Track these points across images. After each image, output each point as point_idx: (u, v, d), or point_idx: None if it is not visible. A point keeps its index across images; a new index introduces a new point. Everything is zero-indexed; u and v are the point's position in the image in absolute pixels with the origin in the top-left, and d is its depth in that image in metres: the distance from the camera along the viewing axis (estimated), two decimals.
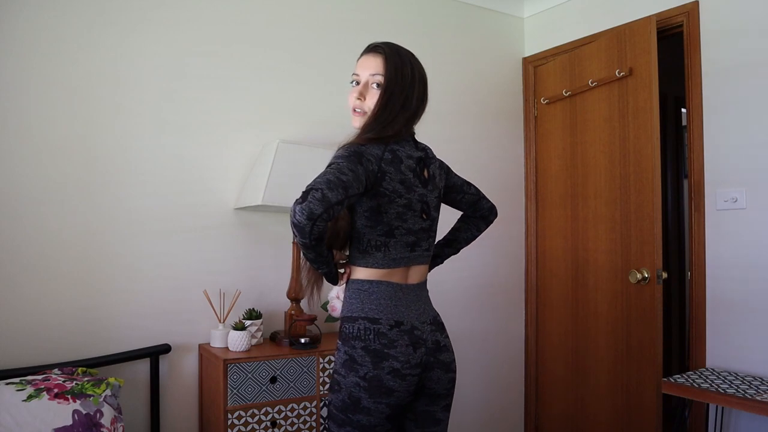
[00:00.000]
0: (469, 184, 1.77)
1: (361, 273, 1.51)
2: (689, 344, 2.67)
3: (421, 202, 1.53)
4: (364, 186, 1.39)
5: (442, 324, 1.59)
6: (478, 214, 1.79)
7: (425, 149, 1.61)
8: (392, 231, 1.48)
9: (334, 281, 1.54)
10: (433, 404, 1.55)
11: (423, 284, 1.59)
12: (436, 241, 1.78)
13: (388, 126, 1.48)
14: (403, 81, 1.50)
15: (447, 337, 1.58)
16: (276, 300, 2.59)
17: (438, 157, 1.69)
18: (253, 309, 2.40)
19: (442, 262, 1.85)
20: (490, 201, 1.80)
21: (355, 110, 1.53)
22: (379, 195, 1.45)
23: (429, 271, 1.71)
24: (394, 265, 1.50)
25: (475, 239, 1.84)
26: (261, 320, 2.39)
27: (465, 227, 1.82)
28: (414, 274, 1.55)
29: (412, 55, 1.57)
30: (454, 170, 1.76)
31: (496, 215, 1.82)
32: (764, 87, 2.39)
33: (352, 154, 1.40)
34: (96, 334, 2.23)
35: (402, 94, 1.50)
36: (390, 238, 1.48)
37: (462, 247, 1.84)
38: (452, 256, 1.86)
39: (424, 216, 1.55)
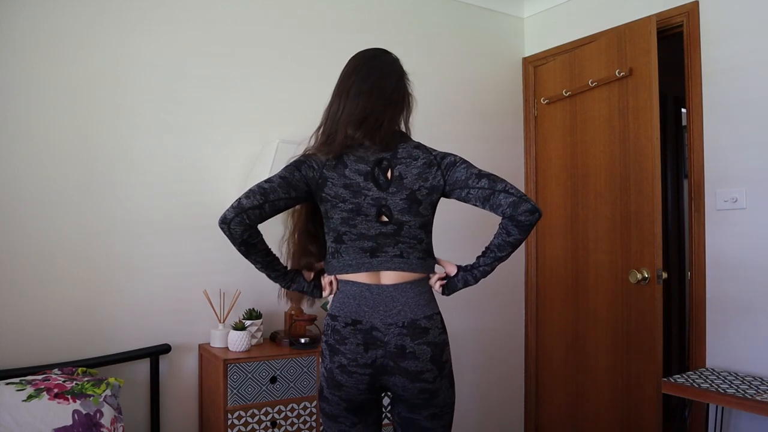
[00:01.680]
0: (480, 177, 1.48)
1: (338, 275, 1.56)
2: (689, 344, 2.67)
3: (376, 206, 1.49)
4: (303, 190, 1.49)
5: (423, 329, 1.47)
6: (499, 212, 1.46)
7: (396, 149, 1.52)
8: (341, 237, 1.51)
9: (313, 294, 1.61)
10: (413, 412, 1.52)
11: (404, 286, 1.50)
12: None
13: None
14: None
15: (423, 344, 1.46)
16: (276, 300, 2.58)
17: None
18: (253, 309, 2.40)
19: (481, 275, 1.58)
20: (515, 195, 1.44)
21: None
22: (323, 201, 1.51)
23: (470, 284, 1.60)
24: (352, 270, 1.51)
25: (510, 247, 1.50)
26: (261, 320, 2.39)
27: (497, 232, 1.52)
28: (390, 276, 1.51)
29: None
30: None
31: (528, 213, 1.43)
32: (764, 87, 2.39)
33: (293, 163, 1.52)
34: (96, 334, 2.23)
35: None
36: (340, 244, 1.51)
37: (496, 256, 1.54)
38: (487, 269, 1.58)
39: (385, 219, 1.50)
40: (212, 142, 2.49)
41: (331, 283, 1.56)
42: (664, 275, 2.62)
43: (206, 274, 2.44)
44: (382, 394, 1.62)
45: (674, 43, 2.79)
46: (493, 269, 1.58)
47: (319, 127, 1.60)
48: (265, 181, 1.46)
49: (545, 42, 3.33)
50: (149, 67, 2.36)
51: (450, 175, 1.53)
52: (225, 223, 1.41)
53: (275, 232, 1.61)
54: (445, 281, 1.61)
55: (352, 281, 1.52)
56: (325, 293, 1.59)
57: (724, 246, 2.50)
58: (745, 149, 2.44)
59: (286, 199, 1.46)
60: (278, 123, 2.64)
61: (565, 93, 3.09)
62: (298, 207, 1.61)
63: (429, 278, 1.58)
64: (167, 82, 2.40)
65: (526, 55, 3.43)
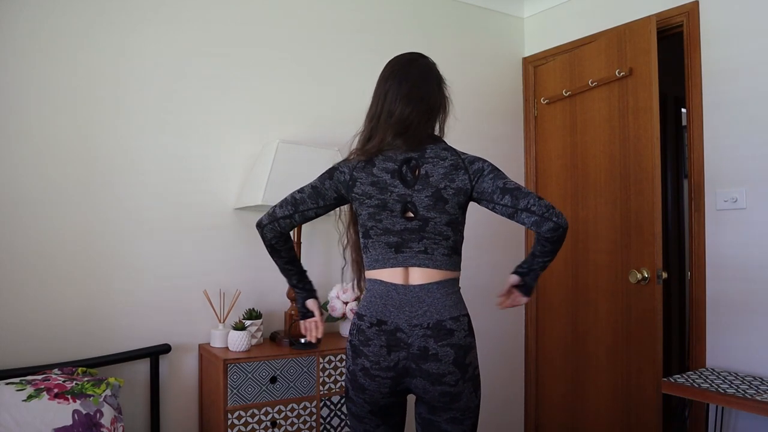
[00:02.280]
0: (504, 192, 1.49)
1: (367, 272, 1.60)
2: (689, 344, 2.67)
3: (401, 202, 1.51)
4: (332, 197, 1.60)
5: (448, 331, 1.45)
6: (527, 226, 1.51)
7: (424, 149, 1.54)
8: (368, 232, 1.55)
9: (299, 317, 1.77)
10: (434, 414, 1.52)
11: (431, 286, 1.50)
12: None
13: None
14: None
15: (446, 346, 1.45)
16: (276, 300, 2.59)
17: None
18: (253, 309, 2.40)
19: (540, 270, 1.62)
20: (536, 215, 1.47)
21: None
22: (353, 200, 1.58)
23: (538, 277, 1.63)
24: (378, 266, 1.54)
25: (551, 253, 1.56)
26: (261, 320, 2.39)
27: (535, 239, 1.56)
28: (417, 276, 1.51)
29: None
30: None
31: (551, 231, 1.48)
32: (764, 87, 2.39)
33: (327, 171, 1.62)
34: (96, 334, 2.23)
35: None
36: (367, 239, 1.56)
37: (539, 260, 1.59)
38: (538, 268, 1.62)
39: (410, 215, 1.51)
40: (212, 142, 2.49)
41: (306, 328, 1.75)
42: (664, 275, 2.62)
43: (206, 274, 2.44)
44: (406, 396, 1.62)
45: (674, 43, 2.79)
46: (545, 267, 1.62)
47: (361, 131, 1.62)
48: (298, 191, 1.60)
49: (545, 42, 3.33)
50: (149, 67, 2.36)
51: (478, 185, 1.53)
52: (260, 227, 1.61)
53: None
54: (515, 290, 1.64)
55: (380, 280, 1.53)
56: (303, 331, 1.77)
57: (724, 246, 2.50)
58: (745, 149, 2.44)
59: (315, 208, 1.60)
60: (278, 123, 2.64)
61: (565, 93, 3.09)
62: (349, 220, 1.70)
63: (458, 278, 1.58)
64: (167, 82, 2.40)
65: (526, 55, 3.43)
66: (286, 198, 1.61)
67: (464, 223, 1.59)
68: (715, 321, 2.52)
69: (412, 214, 1.52)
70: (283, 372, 2.22)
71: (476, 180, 1.52)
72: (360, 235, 1.60)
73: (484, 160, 1.56)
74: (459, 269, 1.58)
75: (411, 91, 1.56)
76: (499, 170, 1.55)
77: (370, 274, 1.56)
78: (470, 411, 1.52)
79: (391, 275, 1.52)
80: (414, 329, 1.46)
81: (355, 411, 1.55)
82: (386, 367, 1.46)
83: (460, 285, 1.58)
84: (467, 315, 1.53)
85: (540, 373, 3.31)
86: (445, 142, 1.62)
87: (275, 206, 1.60)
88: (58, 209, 2.18)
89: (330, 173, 1.60)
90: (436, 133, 1.64)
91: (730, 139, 2.49)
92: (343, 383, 1.60)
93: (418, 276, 1.51)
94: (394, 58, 1.65)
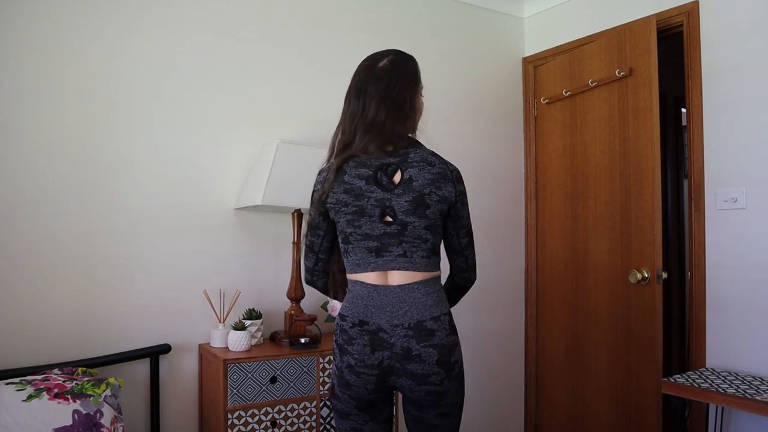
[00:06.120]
0: (465, 237, 1.64)
1: (348, 275, 1.59)
2: (689, 344, 2.67)
3: (380, 206, 1.50)
4: (322, 213, 1.58)
5: (429, 331, 1.46)
6: (452, 268, 1.70)
7: (406, 154, 1.53)
8: (347, 237, 1.55)
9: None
10: (422, 411, 1.53)
11: (411, 286, 1.50)
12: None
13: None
14: None
15: (429, 346, 1.45)
16: (276, 300, 2.59)
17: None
18: (253, 309, 2.40)
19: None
20: (471, 279, 1.72)
21: None
22: (329, 209, 1.57)
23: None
24: (359, 269, 1.53)
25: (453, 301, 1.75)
26: (261, 320, 2.39)
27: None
28: (397, 278, 1.51)
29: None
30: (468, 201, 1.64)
31: (467, 287, 1.75)
32: (764, 87, 2.39)
33: (314, 206, 1.59)
34: (96, 334, 2.23)
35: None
36: (347, 244, 1.55)
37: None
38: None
39: (389, 219, 1.50)
40: (212, 142, 2.49)
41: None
42: (664, 275, 2.62)
43: (206, 274, 2.44)
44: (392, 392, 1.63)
45: (674, 43, 2.79)
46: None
47: (338, 131, 1.62)
48: (307, 234, 1.65)
49: (545, 42, 3.34)
50: (147, 67, 2.36)
51: (456, 209, 1.59)
52: (309, 284, 1.72)
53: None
54: None
55: (361, 281, 1.53)
56: None
57: (724, 246, 2.50)
58: (745, 149, 2.44)
59: (330, 240, 1.63)
60: (278, 123, 2.64)
61: (565, 93, 3.09)
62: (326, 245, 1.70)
63: (438, 277, 1.58)
64: (166, 83, 2.40)
65: (526, 55, 3.43)
66: (306, 245, 1.67)
67: (442, 225, 1.60)
68: (715, 321, 2.52)
69: (390, 219, 1.50)
70: (283, 372, 2.22)
71: (458, 201, 1.58)
72: (340, 241, 1.58)
73: (464, 185, 1.61)
74: (439, 269, 1.58)
75: (382, 92, 1.54)
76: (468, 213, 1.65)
77: (352, 276, 1.56)
78: (457, 406, 1.56)
79: (372, 278, 1.52)
80: (395, 329, 1.47)
81: (341, 408, 1.56)
82: (371, 365, 1.47)
83: (442, 284, 1.62)
84: (448, 313, 1.54)
85: (540, 373, 3.31)
86: (425, 147, 1.60)
87: (303, 259, 1.69)
88: (58, 209, 2.18)
89: (317, 208, 1.58)
90: (410, 133, 1.61)
91: (730, 139, 2.49)
92: (332, 383, 1.60)
93: (399, 277, 1.51)
94: (367, 57, 1.63)
